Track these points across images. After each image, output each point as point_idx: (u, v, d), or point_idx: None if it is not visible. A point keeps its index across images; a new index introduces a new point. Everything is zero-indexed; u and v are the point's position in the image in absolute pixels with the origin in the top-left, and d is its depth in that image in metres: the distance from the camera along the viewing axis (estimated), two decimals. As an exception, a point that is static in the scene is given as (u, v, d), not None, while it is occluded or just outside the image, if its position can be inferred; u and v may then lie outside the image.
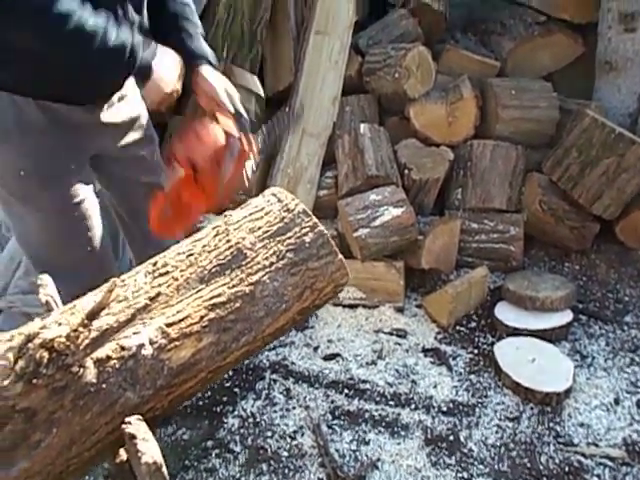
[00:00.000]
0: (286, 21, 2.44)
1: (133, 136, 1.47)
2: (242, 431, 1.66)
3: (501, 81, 2.48)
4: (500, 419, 1.71)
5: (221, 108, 1.36)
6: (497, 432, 1.67)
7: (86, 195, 1.38)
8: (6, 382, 0.86)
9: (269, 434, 1.65)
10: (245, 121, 1.37)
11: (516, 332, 1.96)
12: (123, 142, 1.45)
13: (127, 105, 1.43)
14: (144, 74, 1.22)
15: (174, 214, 1.39)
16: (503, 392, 1.79)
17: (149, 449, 0.87)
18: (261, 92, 1.41)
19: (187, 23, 1.41)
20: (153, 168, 1.56)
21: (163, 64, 1.26)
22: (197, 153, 1.34)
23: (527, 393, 1.75)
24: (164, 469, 0.87)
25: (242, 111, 1.37)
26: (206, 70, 1.37)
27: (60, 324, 0.91)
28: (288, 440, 1.64)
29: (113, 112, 1.39)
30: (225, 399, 1.77)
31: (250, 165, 1.47)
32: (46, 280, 1.18)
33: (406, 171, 2.26)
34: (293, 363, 1.91)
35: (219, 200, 1.40)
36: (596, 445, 1.63)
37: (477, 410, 1.74)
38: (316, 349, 1.97)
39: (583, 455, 1.60)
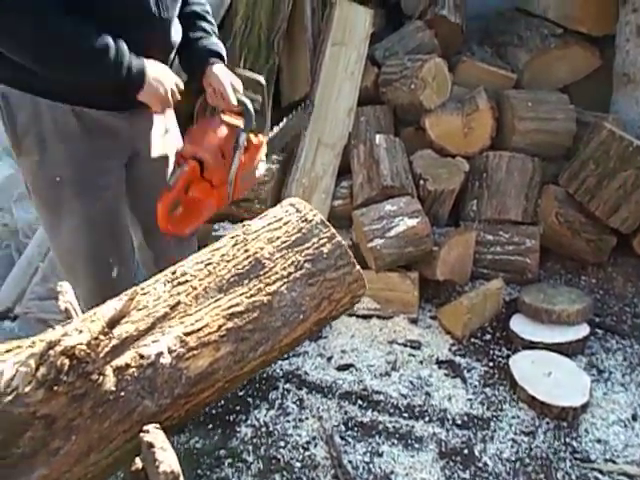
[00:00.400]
0: (303, 32, 2.46)
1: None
2: (255, 441, 1.66)
3: (517, 93, 2.47)
4: (515, 433, 1.69)
5: (226, 102, 1.38)
6: (512, 446, 1.65)
7: (118, 202, 1.41)
8: (27, 389, 0.87)
9: (282, 444, 1.65)
10: (250, 113, 1.38)
11: (532, 345, 1.94)
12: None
13: (171, 138, 1.49)
14: (137, 77, 1.23)
15: (183, 210, 1.40)
16: (518, 406, 1.77)
17: (167, 458, 0.87)
18: (261, 80, 1.44)
19: (203, 22, 1.46)
20: None
21: (156, 68, 1.27)
22: (201, 147, 1.35)
23: (543, 407, 1.73)
24: (181, 478, 0.87)
25: (247, 103, 1.38)
26: (217, 67, 1.41)
27: (81, 332, 0.92)
28: (301, 450, 1.63)
29: (159, 145, 1.44)
30: (238, 408, 1.77)
31: (260, 158, 1.47)
32: (66, 287, 1.19)
33: (421, 182, 2.26)
34: (307, 373, 1.90)
35: (230, 195, 1.41)
36: (613, 462, 1.60)
37: (492, 424, 1.72)
38: (330, 359, 1.97)
39: (600, 472, 1.57)
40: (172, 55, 1.38)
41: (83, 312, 1.06)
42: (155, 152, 1.46)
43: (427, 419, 1.73)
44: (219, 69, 1.42)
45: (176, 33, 1.36)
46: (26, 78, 1.20)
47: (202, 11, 1.47)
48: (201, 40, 1.44)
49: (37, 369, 0.88)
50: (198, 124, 1.44)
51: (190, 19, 1.43)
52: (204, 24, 1.46)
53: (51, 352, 0.89)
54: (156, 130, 1.45)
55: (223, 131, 1.37)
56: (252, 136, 1.43)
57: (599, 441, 1.66)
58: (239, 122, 1.38)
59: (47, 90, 1.22)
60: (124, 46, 1.19)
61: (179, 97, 1.33)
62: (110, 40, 1.17)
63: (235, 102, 1.38)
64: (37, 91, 1.22)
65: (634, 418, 1.73)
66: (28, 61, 1.15)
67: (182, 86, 1.33)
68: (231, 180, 1.38)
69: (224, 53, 1.47)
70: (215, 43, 1.46)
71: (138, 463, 1.01)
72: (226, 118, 1.39)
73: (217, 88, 1.39)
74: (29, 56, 1.14)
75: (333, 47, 2.41)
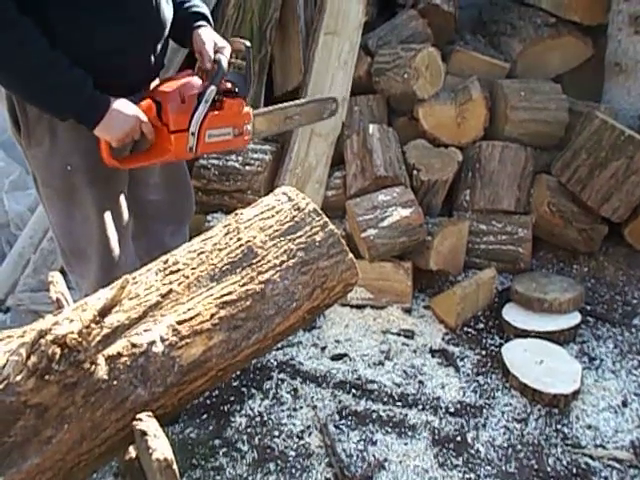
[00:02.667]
0: (295, 21, 2.45)
1: None
2: (249, 430, 1.66)
3: (510, 82, 2.47)
4: (507, 420, 1.70)
5: (204, 59, 1.36)
6: (504, 433, 1.66)
7: (124, 188, 1.41)
8: (19, 377, 0.87)
9: (276, 433, 1.65)
10: (221, 68, 1.33)
11: (524, 334, 1.95)
12: None
13: None
14: (99, 105, 1.21)
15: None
16: (511, 393, 1.79)
17: (160, 446, 0.88)
18: (247, 43, 1.41)
19: None
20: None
21: (120, 102, 1.25)
22: (161, 88, 1.32)
23: (535, 395, 1.74)
24: (175, 466, 0.87)
25: (222, 60, 1.34)
26: (202, 30, 1.40)
27: (72, 320, 0.92)
28: (295, 440, 1.64)
29: None
30: (232, 398, 1.78)
31: (240, 124, 1.40)
32: (57, 277, 1.19)
33: (415, 172, 2.26)
34: (301, 363, 1.91)
35: (193, 147, 1.34)
36: (604, 447, 1.62)
37: (484, 411, 1.73)
38: (324, 349, 1.97)
39: (591, 457, 1.59)
40: (166, 32, 1.35)
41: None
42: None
43: (420, 407, 1.74)
44: (204, 31, 1.40)
45: (167, 8, 1.34)
46: None
47: None
48: (184, 5, 1.42)
49: (28, 358, 0.88)
50: (168, 76, 1.41)
51: None
52: None
53: (42, 341, 0.88)
54: None
55: (190, 79, 1.34)
56: (228, 98, 1.38)
57: (590, 427, 1.68)
58: (214, 80, 1.33)
59: None
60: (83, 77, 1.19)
61: (137, 136, 1.29)
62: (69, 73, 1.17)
63: (211, 58, 1.35)
64: None
65: (624, 404, 1.75)
66: None
67: (147, 129, 1.29)
68: (193, 131, 1.32)
69: (209, 15, 1.45)
70: (198, 5, 1.44)
71: (131, 451, 1.02)
72: (201, 75, 1.37)
73: (200, 50, 1.37)
74: None
75: (326, 36, 2.39)
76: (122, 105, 1.24)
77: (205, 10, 1.45)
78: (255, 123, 1.49)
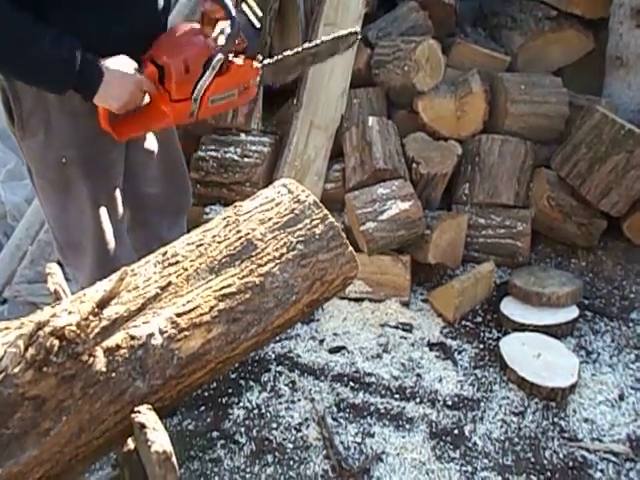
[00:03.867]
0: (295, 12, 2.43)
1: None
2: (247, 422, 1.67)
3: (511, 76, 2.46)
4: (505, 414, 1.71)
5: (218, 12, 1.25)
6: (502, 427, 1.67)
7: (119, 180, 1.40)
8: (16, 369, 0.86)
9: (274, 426, 1.66)
10: (235, 25, 1.22)
11: (522, 327, 1.95)
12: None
13: None
14: (93, 71, 1.16)
15: (131, 115, 1.26)
16: (508, 387, 1.79)
17: (159, 438, 0.87)
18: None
19: None
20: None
21: (118, 62, 1.19)
22: (165, 53, 1.23)
23: (532, 388, 1.75)
24: (173, 458, 0.87)
25: (233, 26, 1.22)
26: None
27: (70, 312, 0.92)
28: (293, 432, 1.64)
29: None
30: (230, 390, 1.78)
31: (246, 83, 1.32)
32: (55, 269, 1.18)
33: (414, 165, 2.25)
34: (299, 355, 1.91)
35: (195, 113, 1.27)
36: (600, 440, 1.63)
37: (482, 404, 1.74)
38: (322, 342, 1.97)
39: (587, 450, 1.60)
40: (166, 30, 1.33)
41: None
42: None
43: (418, 400, 1.75)
44: None
45: (166, 5, 1.33)
46: None
47: None
48: None
49: (26, 350, 0.87)
50: (174, 28, 1.28)
51: None
52: None
53: (40, 333, 0.88)
54: None
55: (196, 42, 1.23)
56: (236, 58, 1.27)
57: (586, 420, 1.69)
58: (225, 44, 1.22)
59: None
60: (75, 41, 1.14)
61: (141, 102, 1.23)
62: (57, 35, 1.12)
63: (230, 13, 1.22)
64: None
65: (621, 398, 1.76)
66: None
67: (146, 88, 1.23)
68: (196, 98, 1.24)
69: None
70: None
71: (130, 444, 1.02)
72: (212, 34, 1.25)
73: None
74: None
75: (325, 27, 2.37)
76: (120, 72, 1.18)
77: None
78: (265, 74, 1.38)
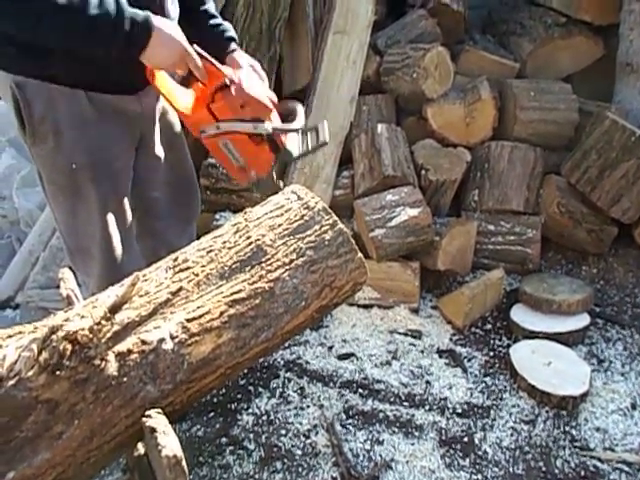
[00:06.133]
0: (304, 20, 2.45)
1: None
2: (256, 429, 1.67)
3: (520, 82, 2.46)
4: (515, 422, 1.69)
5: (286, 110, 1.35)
6: (512, 435, 1.66)
7: (128, 186, 1.42)
8: (30, 373, 0.88)
9: (283, 432, 1.66)
10: (287, 130, 1.33)
11: (532, 335, 1.94)
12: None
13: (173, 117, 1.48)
14: (140, 35, 1.14)
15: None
16: (518, 395, 1.78)
17: (169, 443, 0.88)
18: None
19: (211, 13, 1.44)
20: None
21: (166, 24, 1.19)
22: (246, 82, 1.28)
23: (543, 396, 1.73)
24: (184, 463, 0.88)
25: (297, 123, 1.34)
26: (237, 54, 1.40)
27: (83, 317, 0.93)
28: (302, 439, 1.64)
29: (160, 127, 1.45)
30: (240, 397, 1.78)
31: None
32: (67, 274, 1.19)
33: (423, 172, 2.25)
34: (308, 362, 1.91)
35: (204, 132, 1.30)
36: (612, 450, 1.61)
37: (492, 412, 1.73)
38: (331, 348, 1.97)
39: (599, 460, 1.58)
40: None
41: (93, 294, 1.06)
42: (157, 135, 1.46)
43: (427, 408, 1.74)
44: (239, 55, 1.38)
45: (174, 9, 1.34)
46: (40, 66, 1.20)
47: None
48: (215, 28, 1.40)
49: (40, 354, 0.88)
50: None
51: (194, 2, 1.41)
52: (208, 5, 1.44)
53: (54, 337, 0.89)
54: (159, 109, 1.45)
55: (267, 102, 1.29)
56: (265, 144, 1.34)
57: (598, 429, 1.67)
58: (277, 121, 1.31)
59: (62, 76, 1.22)
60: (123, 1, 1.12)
61: (194, 60, 1.23)
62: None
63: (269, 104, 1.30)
64: (52, 78, 1.22)
65: (633, 407, 1.74)
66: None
67: (192, 67, 1.24)
68: (219, 126, 1.29)
69: (237, 38, 1.44)
70: (229, 30, 1.43)
71: (140, 449, 1.02)
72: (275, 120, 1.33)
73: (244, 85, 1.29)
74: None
75: (335, 35, 2.39)
76: (166, 35, 1.17)
77: (235, 35, 1.44)
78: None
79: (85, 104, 1.27)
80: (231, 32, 1.44)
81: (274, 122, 1.32)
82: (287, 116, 1.37)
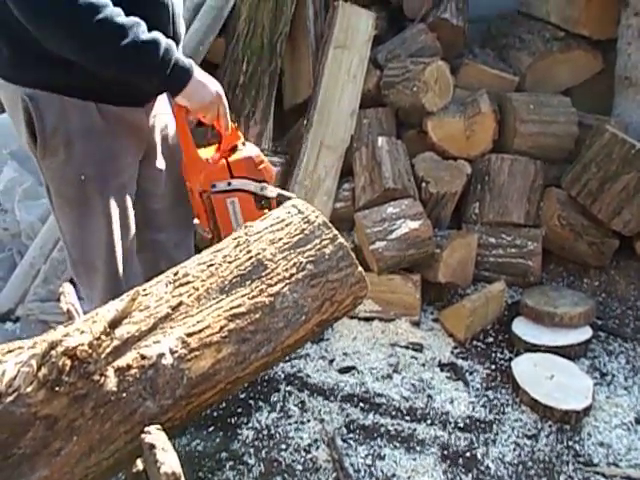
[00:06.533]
0: (305, 35, 2.47)
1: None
2: (256, 443, 1.66)
3: (520, 96, 2.47)
4: (518, 436, 1.68)
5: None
6: (515, 450, 1.64)
7: (131, 198, 1.43)
8: (29, 389, 0.87)
9: (283, 447, 1.64)
10: (279, 201, 1.39)
11: (534, 348, 1.93)
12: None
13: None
14: (182, 75, 1.24)
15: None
16: (521, 409, 1.77)
17: (168, 459, 0.87)
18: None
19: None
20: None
21: (202, 74, 1.29)
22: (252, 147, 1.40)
23: (545, 410, 1.72)
24: (182, 479, 0.87)
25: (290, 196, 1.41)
26: None
27: (83, 332, 0.92)
28: (303, 453, 1.62)
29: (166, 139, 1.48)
30: (240, 411, 1.77)
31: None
32: (68, 288, 1.19)
33: (423, 184, 2.25)
34: (308, 375, 1.90)
35: (214, 187, 1.37)
36: (617, 465, 1.59)
37: (494, 427, 1.71)
38: (331, 362, 1.96)
39: (603, 475, 1.56)
40: (180, 48, 1.38)
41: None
42: (160, 147, 1.48)
43: (429, 422, 1.73)
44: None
45: (182, 27, 1.37)
46: (53, 78, 1.21)
47: None
48: None
49: (39, 369, 0.88)
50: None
51: None
52: None
53: (53, 352, 0.89)
54: (164, 121, 1.47)
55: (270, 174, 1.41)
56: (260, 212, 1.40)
57: (602, 444, 1.65)
58: (273, 192, 1.40)
59: (74, 88, 1.24)
60: (172, 42, 1.21)
61: (225, 108, 1.33)
62: (159, 34, 1.18)
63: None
64: (64, 90, 1.23)
65: (637, 421, 1.72)
66: (66, 48, 1.15)
67: (222, 113, 1.33)
68: (230, 185, 1.37)
69: None
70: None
71: (139, 464, 1.01)
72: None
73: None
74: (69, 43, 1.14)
75: (335, 50, 2.41)
76: (206, 78, 1.28)
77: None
78: None
79: (96, 116, 1.28)
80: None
81: (274, 187, 1.40)
82: None
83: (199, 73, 1.27)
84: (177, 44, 1.36)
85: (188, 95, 1.26)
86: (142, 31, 1.16)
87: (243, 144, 1.41)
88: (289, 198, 1.37)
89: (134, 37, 1.15)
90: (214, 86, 1.31)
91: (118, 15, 1.14)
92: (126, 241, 1.43)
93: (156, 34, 1.19)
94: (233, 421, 1.73)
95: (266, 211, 1.37)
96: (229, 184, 1.37)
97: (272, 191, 1.39)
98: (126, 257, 1.43)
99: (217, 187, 1.37)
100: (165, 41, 1.20)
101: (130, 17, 1.16)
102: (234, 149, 1.40)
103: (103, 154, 1.30)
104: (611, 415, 1.74)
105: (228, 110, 1.35)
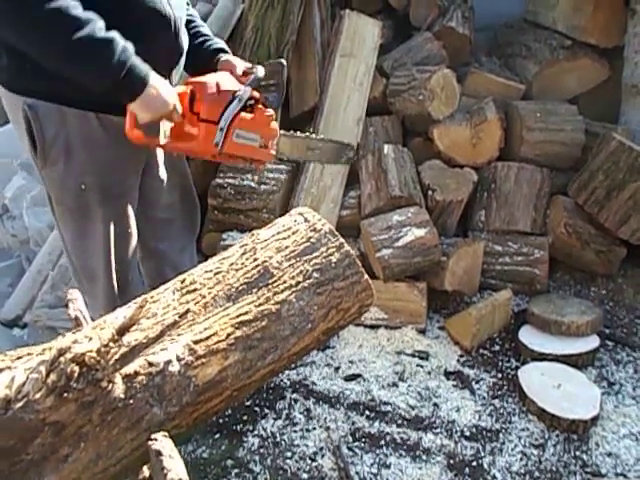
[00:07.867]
0: (312, 43, 2.49)
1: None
2: (262, 451, 1.65)
3: (526, 104, 2.48)
4: (525, 446, 1.67)
5: (234, 68, 1.40)
6: (522, 459, 1.63)
7: (133, 207, 1.44)
8: (38, 395, 0.88)
9: (289, 454, 1.64)
10: (256, 75, 1.35)
11: (541, 357, 1.92)
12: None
13: None
14: (136, 82, 1.16)
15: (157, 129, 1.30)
16: (528, 418, 1.75)
17: (175, 466, 0.87)
18: (282, 61, 1.53)
19: (199, 27, 1.49)
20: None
21: (160, 81, 1.22)
22: (198, 79, 1.31)
23: (553, 420, 1.71)
24: (189, 487, 0.87)
25: (259, 70, 1.37)
26: (229, 56, 1.45)
27: (91, 339, 0.93)
28: (308, 461, 1.62)
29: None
30: (245, 418, 1.77)
31: (267, 134, 1.40)
32: (75, 295, 1.20)
33: (430, 192, 2.26)
34: (314, 383, 1.90)
35: (220, 143, 1.31)
36: (625, 476, 1.58)
37: (501, 436, 1.70)
38: (337, 369, 1.96)
39: (611, 486, 1.55)
40: (182, 60, 1.38)
41: (101, 317, 1.07)
42: (161, 157, 1.49)
43: (435, 430, 1.72)
44: (231, 57, 1.44)
45: (185, 35, 1.38)
46: (52, 88, 1.21)
47: (192, 16, 1.48)
48: (204, 44, 1.46)
49: (47, 376, 0.88)
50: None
51: (186, 26, 1.44)
52: (201, 28, 1.48)
53: (61, 359, 0.89)
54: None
55: (227, 75, 1.35)
56: (261, 105, 1.38)
57: (610, 455, 1.64)
58: (249, 79, 1.35)
59: (73, 98, 1.24)
60: (130, 45, 1.15)
61: (176, 119, 1.27)
62: (116, 34, 1.12)
63: (244, 68, 1.39)
64: (63, 100, 1.24)
65: (645, 432, 1.71)
66: (19, 40, 1.10)
67: (180, 110, 1.27)
68: (222, 126, 1.29)
69: (229, 50, 1.49)
70: (218, 42, 1.48)
71: (145, 471, 1.02)
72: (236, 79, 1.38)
73: (231, 69, 1.38)
74: (21, 34, 1.08)
75: (342, 58, 2.43)
76: (161, 86, 1.20)
77: (225, 46, 1.49)
78: (279, 142, 1.48)
79: (95, 126, 1.29)
80: (221, 44, 1.48)
81: (245, 84, 1.34)
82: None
83: (156, 82, 1.19)
84: (180, 55, 1.37)
85: (139, 106, 1.19)
86: (99, 28, 1.09)
87: (194, 86, 1.30)
88: (280, 62, 1.38)
89: (90, 32, 1.08)
90: (170, 97, 1.22)
91: (75, 8, 1.08)
92: (127, 250, 1.43)
93: (114, 33, 1.12)
94: (239, 428, 1.73)
95: (261, 107, 1.36)
96: (221, 129, 1.30)
97: (245, 89, 1.31)
98: (127, 265, 1.43)
99: (218, 139, 1.30)
100: (123, 43, 1.12)
101: (88, 12, 1.09)
102: (193, 100, 1.29)
103: (103, 164, 1.31)
104: (619, 425, 1.73)
105: (180, 110, 1.27)
